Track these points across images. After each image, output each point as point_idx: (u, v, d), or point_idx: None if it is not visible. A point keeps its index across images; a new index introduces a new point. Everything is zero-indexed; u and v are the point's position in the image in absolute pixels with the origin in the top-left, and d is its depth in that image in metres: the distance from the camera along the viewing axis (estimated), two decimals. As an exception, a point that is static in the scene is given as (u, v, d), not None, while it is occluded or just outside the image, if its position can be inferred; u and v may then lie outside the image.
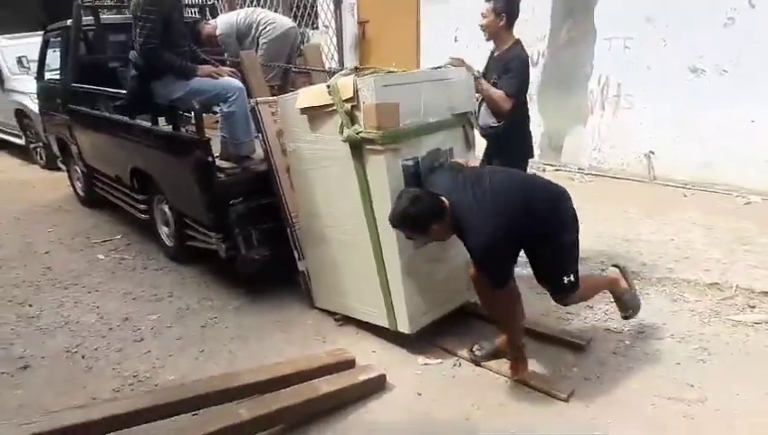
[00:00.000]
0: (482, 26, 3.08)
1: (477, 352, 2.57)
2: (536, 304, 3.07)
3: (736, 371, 2.43)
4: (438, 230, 2.23)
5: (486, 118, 3.08)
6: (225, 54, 4.24)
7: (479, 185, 2.24)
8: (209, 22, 4.37)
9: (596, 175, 5.42)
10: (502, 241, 2.15)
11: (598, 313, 2.95)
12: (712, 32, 4.63)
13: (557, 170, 5.65)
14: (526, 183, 2.40)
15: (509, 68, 2.98)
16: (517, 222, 2.17)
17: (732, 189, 4.66)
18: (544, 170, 5.70)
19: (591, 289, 2.60)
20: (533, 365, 2.50)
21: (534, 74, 5.85)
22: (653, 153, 5.15)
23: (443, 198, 2.22)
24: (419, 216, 2.18)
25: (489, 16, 3.02)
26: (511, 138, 3.08)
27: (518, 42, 3.08)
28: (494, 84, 3.01)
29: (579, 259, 2.39)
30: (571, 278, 2.33)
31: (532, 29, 5.70)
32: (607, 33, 5.24)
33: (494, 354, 2.55)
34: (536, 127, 5.89)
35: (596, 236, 3.82)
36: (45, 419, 1.99)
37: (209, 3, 5.16)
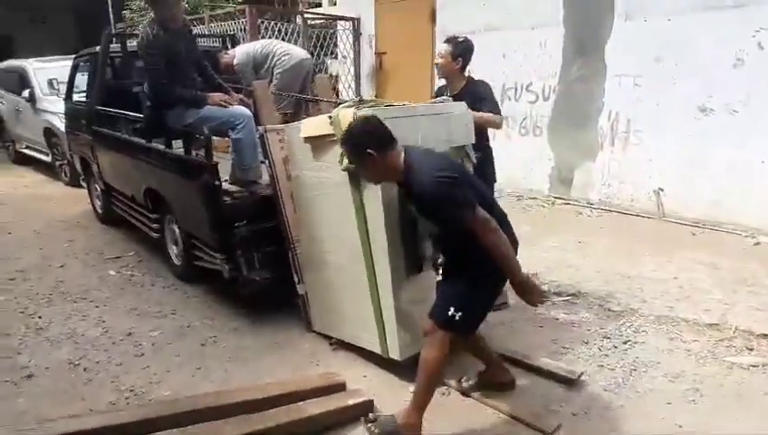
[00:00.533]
0: (437, 65, 3.29)
1: (465, 384, 2.59)
2: (530, 337, 3.09)
3: (727, 413, 2.40)
4: (376, 161, 2.09)
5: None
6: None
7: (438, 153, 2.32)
8: (228, 52, 4.58)
9: (605, 210, 5.43)
10: (453, 180, 2.02)
11: (592, 347, 2.94)
12: (721, 72, 4.68)
13: (566, 204, 5.67)
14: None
15: (481, 96, 3.18)
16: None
17: (741, 229, 4.62)
18: (554, 203, 5.73)
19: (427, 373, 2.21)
20: (523, 398, 2.50)
21: (545, 109, 5.95)
22: (662, 190, 5.15)
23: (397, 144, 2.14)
24: (361, 135, 2.10)
25: (446, 58, 3.21)
26: (486, 166, 3.24)
27: (470, 77, 3.32)
28: None
29: (484, 315, 2.30)
30: (457, 316, 2.13)
31: (544, 65, 5.83)
32: (617, 71, 5.32)
33: (480, 386, 2.58)
34: (546, 160, 5.98)
35: (596, 271, 3.82)
36: (40, 427, 2.06)
37: (230, 33, 5.39)
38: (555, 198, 5.84)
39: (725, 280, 3.70)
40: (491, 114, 3.19)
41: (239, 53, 4.45)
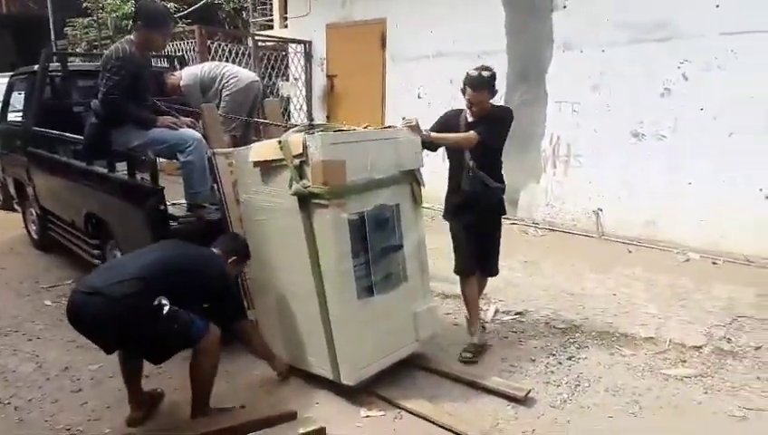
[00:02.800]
0: (472, 103, 3.00)
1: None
2: (479, 357, 3.15)
3: (665, 423, 2.53)
4: None
5: (488, 178, 3.05)
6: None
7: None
8: (174, 73, 4.50)
9: (549, 229, 5.64)
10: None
11: (539, 365, 3.03)
12: (650, 100, 5.02)
13: (513, 224, 5.85)
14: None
15: (486, 120, 3.01)
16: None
17: (673, 247, 4.91)
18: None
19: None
20: (473, 416, 2.54)
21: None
22: (601, 210, 5.42)
23: None
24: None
25: (483, 98, 3.00)
26: (503, 197, 3.22)
27: (492, 104, 3.12)
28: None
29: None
30: None
31: (489, 90, 6.06)
32: (557, 98, 5.60)
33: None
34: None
35: (543, 290, 3.96)
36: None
37: (178, 54, 5.31)
38: (503, 218, 6.01)
39: (660, 295, 3.91)
40: (462, 134, 3.01)
41: (186, 75, 4.38)
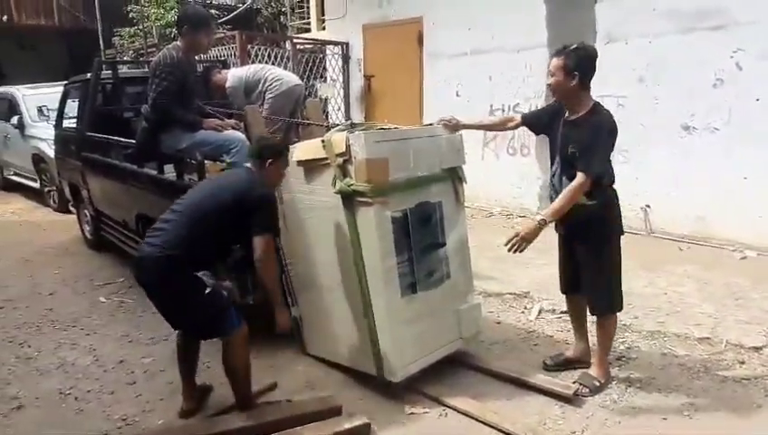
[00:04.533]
0: (549, 85, 2.59)
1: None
2: (525, 355, 3.10)
3: (723, 427, 2.42)
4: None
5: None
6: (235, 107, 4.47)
7: None
8: (221, 71, 4.61)
9: (594, 227, 5.48)
10: None
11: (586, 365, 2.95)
12: (702, 92, 4.81)
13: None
14: None
15: (587, 137, 2.47)
16: None
17: (728, 244, 4.70)
18: (543, 221, 5.78)
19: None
20: (521, 415, 2.50)
21: (532, 129, 6.05)
22: (649, 207, 5.23)
23: None
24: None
25: (558, 75, 2.49)
26: (607, 216, 2.60)
27: (597, 105, 2.56)
28: (573, 154, 2.51)
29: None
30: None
31: (530, 86, 5.95)
32: (601, 92, 5.34)
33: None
34: (535, 179, 6.06)
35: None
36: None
37: (221, 59, 5.45)
38: (545, 216, 5.90)
39: (714, 294, 3.75)
40: (572, 186, 2.44)
41: (231, 77, 4.49)
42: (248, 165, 2.62)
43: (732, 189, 4.73)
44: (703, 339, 3.15)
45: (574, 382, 2.71)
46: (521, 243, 2.44)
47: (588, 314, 2.85)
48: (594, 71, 2.53)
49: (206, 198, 2.50)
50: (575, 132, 2.54)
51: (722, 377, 2.79)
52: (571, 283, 2.84)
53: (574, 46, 2.51)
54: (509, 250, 2.47)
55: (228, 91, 4.43)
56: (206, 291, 2.37)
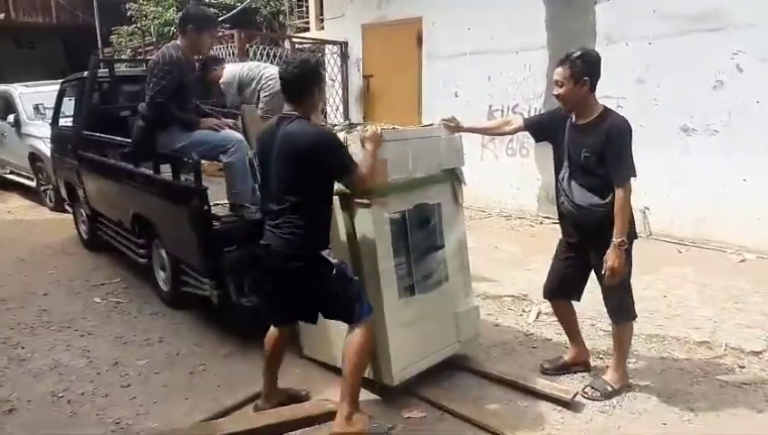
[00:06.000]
0: (558, 96, 2.52)
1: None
2: (524, 358, 3.08)
3: (722, 433, 2.39)
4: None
5: (588, 196, 2.52)
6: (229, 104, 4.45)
7: None
8: (224, 66, 4.58)
9: (592, 229, 5.46)
10: None
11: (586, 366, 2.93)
12: (701, 94, 4.79)
13: (554, 223, 5.70)
14: None
15: (608, 143, 2.43)
16: None
17: (727, 247, 4.68)
18: (542, 223, 5.77)
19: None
20: (518, 419, 2.47)
21: (531, 130, 6.03)
22: (648, 209, 5.21)
23: None
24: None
25: (567, 84, 2.44)
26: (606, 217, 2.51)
27: (606, 109, 2.55)
28: (587, 158, 2.49)
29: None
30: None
31: (529, 87, 5.94)
32: (600, 93, 5.30)
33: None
34: (534, 180, 6.04)
35: (588, 291, 3.80)
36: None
37: (220, 58, 5.42)
38: (543, 217, 5.88)
39: (714, 298, 3.73)
40: (619, 203, 2.42)
41: (226, 73, 4.48)
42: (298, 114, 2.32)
43: (731, 192, 4.72)
44: (702, 343, 3.13)
45: (586, 386, 2.68)
46: (618, 275, 2.46)
47: (578, 316, 2.92)
48: (600, 74, 2.51)
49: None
50: (589, 138, 2.50)
51: (722, 381, 2.76)
52: (557, 290, 2.83)
53: (578, 53, 2.46)
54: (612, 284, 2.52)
55: (222, 86, 4.41)
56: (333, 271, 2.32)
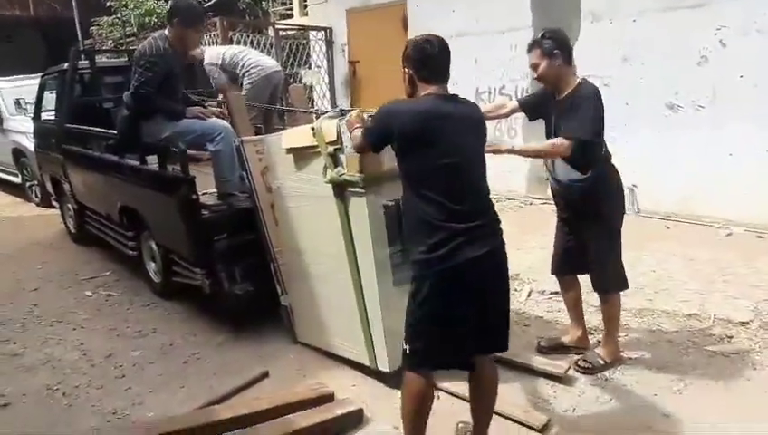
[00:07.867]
0: (538, 78, 2.59)
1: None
2: (516, 336, 3.09)
3: (713, 401, 2.45)
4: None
5: (568, 172, 2.57)
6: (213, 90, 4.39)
7: None
8: (201, 48, 4.51)
9: (581, 208, 5.50)
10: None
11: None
12: (686, 70, 4.81)
13: (544, 204, 5.73)
14: None
15: (572, 109, 2.48)
16: None
17: (714, 221, 4.74)
18: (532, 204, 5.80)
19: None
20: (512, 395, 2.51)
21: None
22: (636, 186, 5.24)
23: None
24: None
25: (542, 63, 2.51)
26: (602, 193, 2.57)
27: (583, 81, 2.57)
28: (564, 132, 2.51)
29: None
30: (405, 348, 2.02)
31: (515, 68, 5.92)
32: (586, 72, 5.31)
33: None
34: (522, 161, 6.02)
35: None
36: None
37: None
38: (533, 198, 5.91)
39: (701, 271, 3.78)
40: (547, 143, 2.55)
41: (209, 53, 4.41)
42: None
43: (717, 167, 4.76)
44: (691, 315, 3.18)
45: (578, 359, 2.73)
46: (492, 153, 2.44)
47: (585, 299, 2.92)
48: (570, 47, 2.58)
49: None
50: (565, 111, 2.54)
51: (710, 352, 2.82)
52: (563, 265, 2.85)
53: (542, 33, 2.58)
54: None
55: (206, 66, 4.35)
56: None
